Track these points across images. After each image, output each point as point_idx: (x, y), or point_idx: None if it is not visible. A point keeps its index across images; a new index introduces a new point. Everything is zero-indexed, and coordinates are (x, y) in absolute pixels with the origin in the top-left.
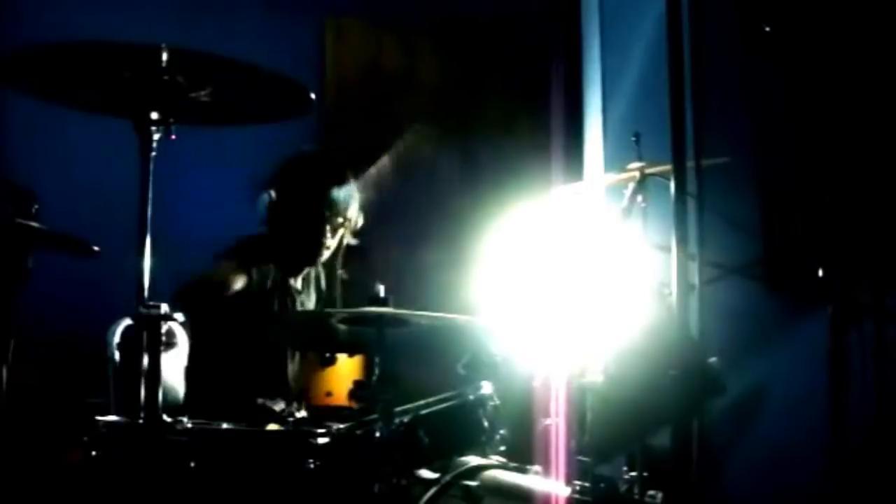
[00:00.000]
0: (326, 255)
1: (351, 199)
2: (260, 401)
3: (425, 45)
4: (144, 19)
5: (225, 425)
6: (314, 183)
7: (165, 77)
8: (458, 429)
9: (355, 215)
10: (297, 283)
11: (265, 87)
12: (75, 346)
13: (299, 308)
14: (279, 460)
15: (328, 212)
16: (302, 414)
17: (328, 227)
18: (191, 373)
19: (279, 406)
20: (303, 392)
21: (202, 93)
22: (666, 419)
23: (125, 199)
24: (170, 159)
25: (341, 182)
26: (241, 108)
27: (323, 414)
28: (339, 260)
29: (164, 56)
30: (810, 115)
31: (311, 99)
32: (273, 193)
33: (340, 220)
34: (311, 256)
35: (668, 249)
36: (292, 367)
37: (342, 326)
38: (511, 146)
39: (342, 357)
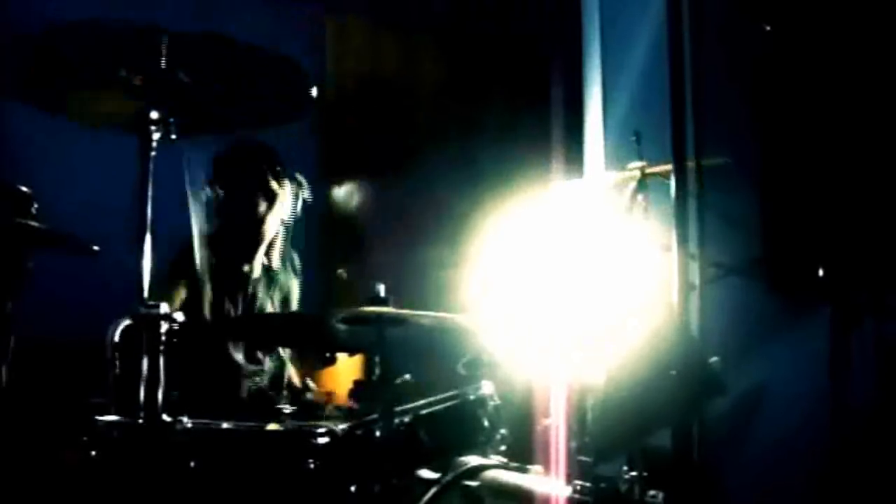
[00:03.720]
0: (269, 238)
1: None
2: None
3: (425, 46)
4: (144, 20)
5: (225, 425)
6: (252, 172)
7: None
8: (458, 429)
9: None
10: (255, 272)
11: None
12: (75, 346)
13: (257, 296)
14: (279, 460)
15: (266, 198)
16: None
17: (267, 212)
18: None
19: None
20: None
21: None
22: (666, 419)
23: (125, 198)
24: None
25: (277, 169)
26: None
27: (316, 409)
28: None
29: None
30: (812, 116)
31: (310, 95)
32: (217, 189)
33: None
34: (256, 242)
35: (668, 249)
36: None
37: (342, 326)
38: (511, 145)
39: (342, 357)
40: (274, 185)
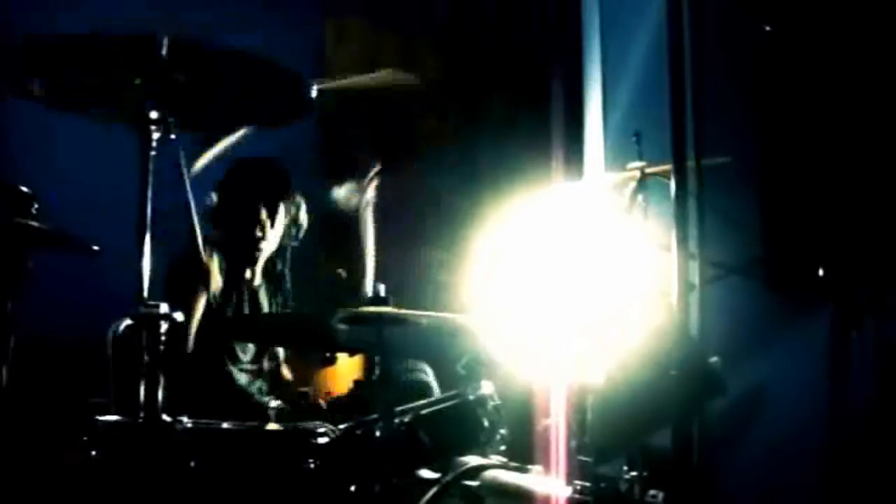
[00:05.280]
0: (264, 253)
1: (295, 206)
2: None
3: (425, 47)
4: (143, 20)
5: (225, 425)
6: (255, 188)
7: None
8: (458, 429)
9: (299, 220)
10: (256, 278)
11: (265, 80)
12: (75, 346)
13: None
14: (279, 460)
15: (265, 214)
16: (276, 403)
17: (264, 228)
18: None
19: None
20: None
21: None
22: (666, 419)
23: (125, 198)
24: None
25: (281, 189)
26: (242, 106)
27: (301, 408)
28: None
29: (164, 49)
30: (811, 115)
31: (310, 97)
32: (215, 196)
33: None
34: (252, 253)
35: (668, 249)
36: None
37: (342, 326)
38: (511, 146)
39: (342, 357)
40: (275, 205)
